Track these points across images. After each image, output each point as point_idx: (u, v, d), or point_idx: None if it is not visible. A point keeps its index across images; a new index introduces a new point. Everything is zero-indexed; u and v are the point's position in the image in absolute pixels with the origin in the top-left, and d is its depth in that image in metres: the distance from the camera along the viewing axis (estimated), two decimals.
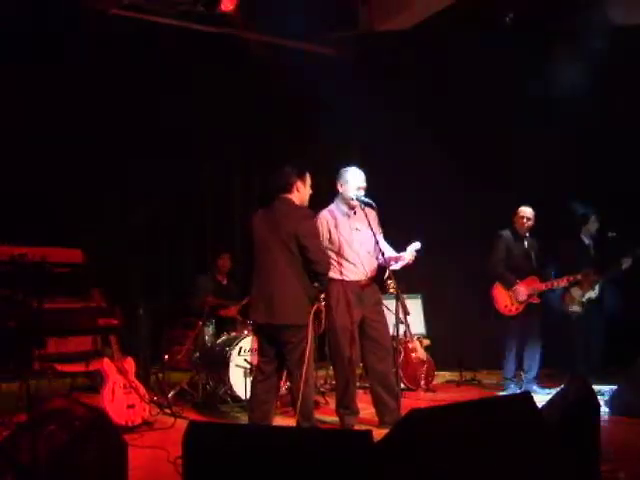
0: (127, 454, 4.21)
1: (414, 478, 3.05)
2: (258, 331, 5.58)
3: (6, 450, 4.00)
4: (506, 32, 8.24)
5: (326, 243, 5.65)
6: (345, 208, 5.76)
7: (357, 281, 5.68)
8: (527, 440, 3.55)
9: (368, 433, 2.99)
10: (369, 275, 5.70)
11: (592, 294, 7.46)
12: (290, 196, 5.22)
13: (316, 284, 5.18)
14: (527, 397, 3.98)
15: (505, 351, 7.43)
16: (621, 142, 8.11)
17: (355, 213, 5.75)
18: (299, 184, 5.25)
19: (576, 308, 7.49)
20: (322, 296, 5.24)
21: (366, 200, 5.61)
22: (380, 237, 5.81)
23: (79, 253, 5.36)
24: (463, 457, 3.19)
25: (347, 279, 5.68)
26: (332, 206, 5.80)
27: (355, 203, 5.68)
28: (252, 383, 5.56)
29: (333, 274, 5.63)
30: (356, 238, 5.70)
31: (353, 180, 5.68)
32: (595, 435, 4.15)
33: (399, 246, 5.87)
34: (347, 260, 5.68)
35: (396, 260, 5.73)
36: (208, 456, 3.05)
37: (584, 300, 7.43)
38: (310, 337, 4.97)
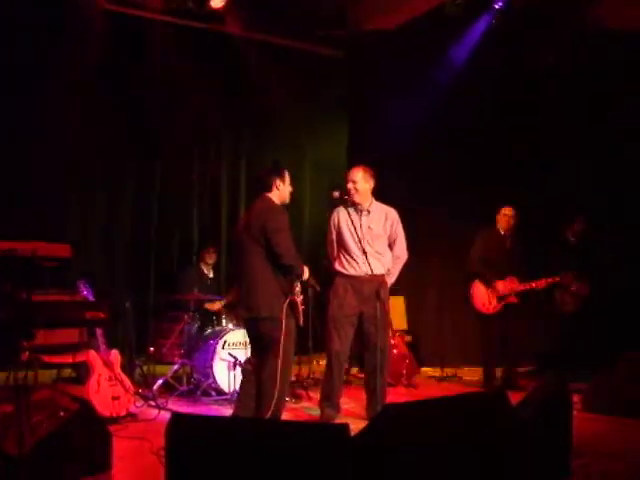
0: (111, 444, 4.34)
1: (387, 470, 3.17)
2: (244, 326, 5.78)
3: None
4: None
5: (333, 236, 5.98)
6: (359, 206, 5.92)
7: (359, 276, 5.80)
8: (498, 435, 3.67)
9: (345, 426, 3.11)
10: (374, 272, 5.73)
11: (584, 291, 7.68)
12: (270, 194, 5.37)
13: (289, 277, 5.27)
14: (500, 394, 4.11)
15: (485, 349, 7.58)
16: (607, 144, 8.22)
17: (369, 212, 5.92)
18: (278, 182, 5.39)
19: (570, 307, 7.68)
20: (297, 289, 5.31)
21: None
22: (395, 238, 6.02)
23: (67, 247, 5.43)
24: (434, 451, 3.31)
25: (348, 273, 5.86)
26: (347, 203, 5.92)
27: (359, 200, 5.87)
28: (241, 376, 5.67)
29: (338, 267, 5.93)
30: (367, 236, 5.85)
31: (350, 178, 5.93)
32: (567, 431, 4.29)
33: None
34: (351, 256, 5.84)
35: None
36: (190, 447, 3.15)
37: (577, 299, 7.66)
38: (284, 332, 5.07)
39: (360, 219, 5.90)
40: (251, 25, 8.79)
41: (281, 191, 5.40)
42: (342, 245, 5.93)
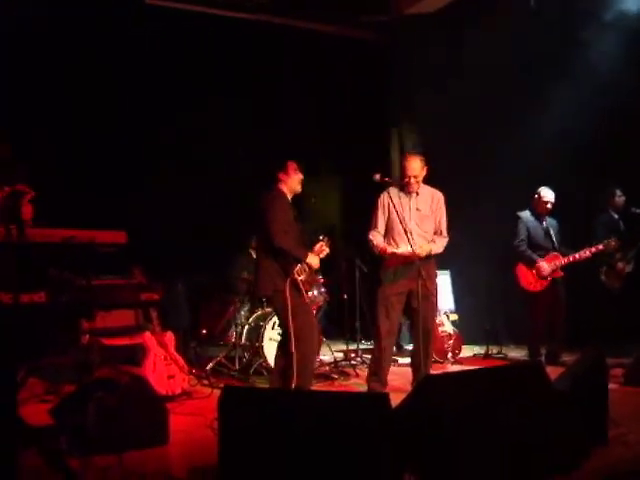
0: (168, 418, 4.59)
1: (427, 439, 3.35)
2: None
3: (59, 413, 4.38)
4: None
5: (380, 216, 6.19)
6: (406, 188, 6.15)
7: (407, 256, 5.93)
8: (535, 405, 3.82)
9: (385, 395, 3.30)
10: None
11: (629, 268, 7.73)
12: (280, 186, 5.85)
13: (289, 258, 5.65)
14: (537, 365, 4.27)
15: (532, 326, 7.71)
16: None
17: (418, 194, 6.13)
18: (281, 175, 5.86)
19: (616, 284, 7.75)
20: (299, 269, 5.64)
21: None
22: (439, 220, 6.21)
23: (123, 234, 5.68)
24: (472, 421, 3.47)
25: (397, 253, 6.03)
26: (398, 185, 6.22)
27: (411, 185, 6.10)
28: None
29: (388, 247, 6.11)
30: (414, 217, 6.08)
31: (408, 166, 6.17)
32: (603, 402, 4.41)
33: None
34: (400, 236, 6.00)
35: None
36: (241, 417, 3.38)
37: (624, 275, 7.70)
38: (290, 307, 5.48)
39: (410, 201, 6.12)
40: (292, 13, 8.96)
41: (288, 183, 5.84)
42: (391, 226, 6.13)
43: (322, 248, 5.85)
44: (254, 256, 8.59)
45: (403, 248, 5.93)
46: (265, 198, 5.76)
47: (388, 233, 6.16)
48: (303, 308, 5.63)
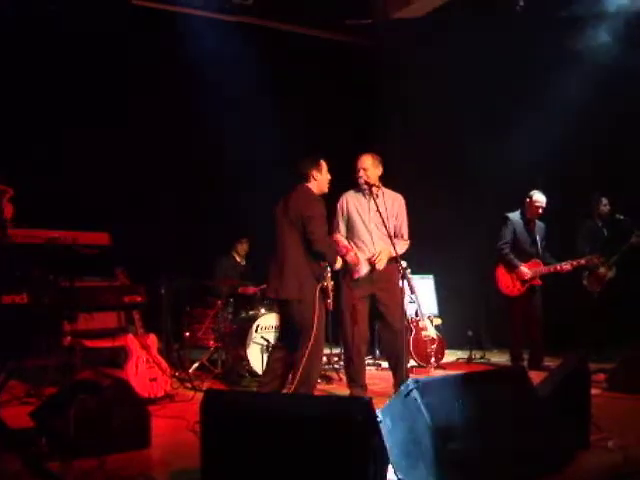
0: (150, 422, 4.57)
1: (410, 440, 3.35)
2: (277, 308, 6.11)
3: (40, 415, 4.35)
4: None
5: (340, 220, 6.12)
6: (365, 191, 6.08)
7: (367, 260, 5.93)
8: (517, 409, 3.84)
9: (368, 400, 3.30)
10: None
11: (610, 274, 7.79)
12: (308, 185, 5.60)
13: (323, 264, 5.49)
14: (520, 370, 4.29)
15: (510, 330, 7.76)
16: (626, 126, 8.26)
17: (378, 196, 6.03)
18: (314, 173, 5.61)
19: (597, 288, 7.82)
20: (329, 275, 5.53)
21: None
22: (401, 224, 6.15)
23: (106, 236, 5.68)
24: (455, 423, 3.48)
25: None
26: (356, 188, 6.13)
27: (365, 187, 6.00)
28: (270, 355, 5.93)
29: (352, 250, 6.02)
30: (374, 219, 6.00)
31: (360, 165, 6.06)
32: (585, 407, 4.43)
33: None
34: (359, 239, 6.02)
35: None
36: (223, 421, 3.37)
37: (605, 280, 7.77)
38: (317, 315, 5.27)
39: (369, 203, 6.05)
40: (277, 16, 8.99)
41: (319, 181, 5.63)
42: (351, 229, 6.09)
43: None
44: (238, 259, 8.67)
45: (364, 266, 5.91)
46: (302, 196, 5.50)
47: (349, 237, 6.12)
48: (323, 317, 5.45)
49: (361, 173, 6.01)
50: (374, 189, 6.01)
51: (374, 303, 6.02)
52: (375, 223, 6.00)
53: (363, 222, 5.95)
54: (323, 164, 5.67)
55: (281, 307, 5.70)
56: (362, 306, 6.01)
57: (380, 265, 5.84)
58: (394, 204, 6.12)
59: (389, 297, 5.95)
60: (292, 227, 5.42)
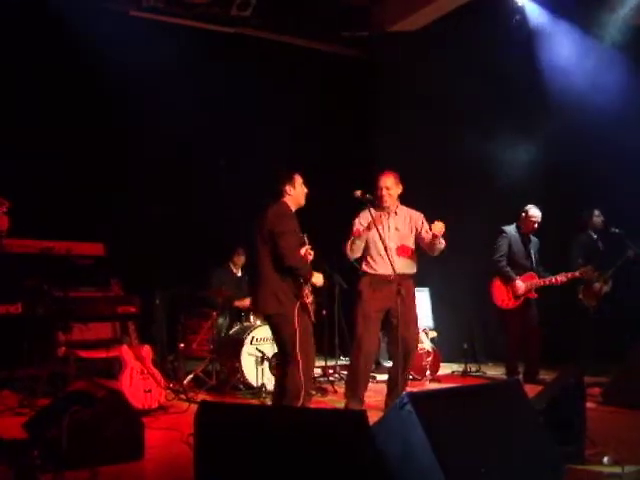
0: (144, 433, 4.54)
1: (402, 454, 3.34)
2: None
3: (33, 426, 4.32)
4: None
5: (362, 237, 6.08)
6: (387, 209, 6.14)
7: (384, 275, 5.95)
8: (512, 422, 3.82)
9: (363, 412, 3.29)
10: (400, 272, 5.84)
11: (606, 288, 7.78)
12: (284, 200, 5.55)
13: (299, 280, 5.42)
14: (515, 384, 4.27)
15: (507, 343, 7.75)
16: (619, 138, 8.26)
17: (397, 214, 6.13)
18: (288, 187, 5.56)
19: (593, 302, 7.79)
20: (307, 291, 5.46)
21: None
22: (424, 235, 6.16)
23: (101, 246, 5.67)
24: (449, 438, 3.46)
25: (375, 272, 6.06)
26: (375, 206, 6.07)
27: (388, 204, 6.09)
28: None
29: (365, 267, 6.13)
30: (393, 237, 6.06)
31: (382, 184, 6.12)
32: (581, 421, 4.42)
33: None
34: (378, 255, 6.02)
35: (430, 239, 6.04)
36: (217, 432, 3.34)
37: (601, 294, 7.76)
38: (298, 330, 5.25)
39: (388, 220, 6.11)
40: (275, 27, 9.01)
41: (294, 196, 5.57)
42: (369, 245, 6.11)
43: (307, 252, 5.56)
44: (234, 270, 8.64)
45: (382, 268, 5.96)
46: (274, 213, 5.46)
47: (366, 251, 6.14)
48: (307, 330, 5.41)
49: (384, 192, 6.06)
50: (388, 200, 6.08)
51: (388, 317, 6.03)
52: (394, 240, 6.06)
53: (382, 240, 5.87)
54: (297, 178, 5.60)
55: (267, 321, 5.73)
56: (377, 319, 6.05)
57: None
58: (412, 220, 6.18)
59: (407, 312, 5.90)
60: (264, 244, 5.40)
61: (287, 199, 5.55)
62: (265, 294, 5.38)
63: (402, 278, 5.84)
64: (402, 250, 6.09)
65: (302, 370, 5.25)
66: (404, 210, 6.23)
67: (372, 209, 5.92)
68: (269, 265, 5.39)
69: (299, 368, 5.24)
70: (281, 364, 5.56)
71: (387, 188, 6.06)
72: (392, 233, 6.09)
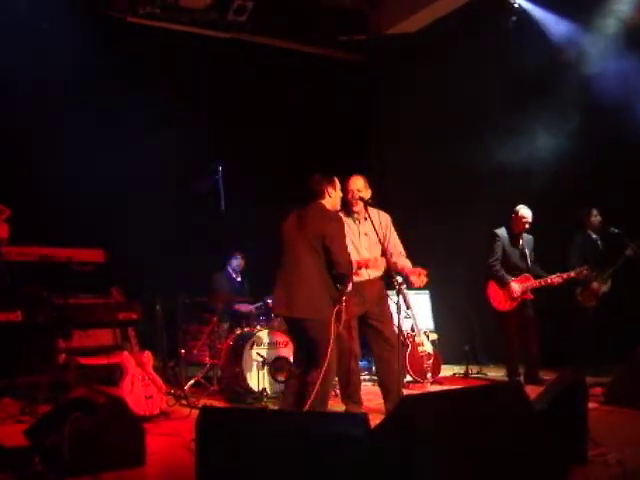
0: (145, 439, 4.53)
1: (404, 457, 3.32)
2: (285, 324, 6.03)
3: (34, 434, 4.31)
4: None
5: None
6: (356, 214, 6.04)
7: (359, 281, 5.91)
8: (513, 424, 3.81)
9: (364, 415, 3.27)
10: (373, 276, 5.94)
11: (605, 288, 7.77)
12: (322, 201, 5.46)
13: (339, 286, 5.36)
14: (515, 385, 4.26)
15: (506, 345, 7.74)
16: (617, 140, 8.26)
17: (366, 219, 5.97)
18: (329, 189, 5.49)
19: (591, 303, 7.77)
20: (343, 298, 5.37)
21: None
22: (392, 241, 6.13)
23: (101, 253, 5.66)
24: (450, 440, 3.45)
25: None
26: (344, 211, 5.99)
27: (358, 209, 5.97)
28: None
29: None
30: (364, 243, 6.00)
31: (353, 186, 5.96)
32: (583, 422, 4.41)
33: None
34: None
35: (405, 274, 6.02)
36: (219, 438, 3.34)
37: (599, 294, 7.74)
38: (333, 336, 5.13)
39: (358, 227, 6.02)
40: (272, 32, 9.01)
41: (333, 198, 5.52)
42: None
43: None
44: (234, 275, 8.64)
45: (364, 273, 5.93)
46: (319, 215, 5.36)
47: None
48: (339, 337, 5.34)
49: (355, 194, 5.91)
50: (361, 212, 5.98)
51: (366, 320, 5.99)
52: (365, 247, 5.99)
53: (355, 247, 5.88)
54: (337, 181, 5.56)
55: (292, 325, 5.56)
56: (355, 324, 5.99)
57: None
58: (381, 224, 6.00)
59: (383, 312, 5.97)
60: (309, 247, 5.26)
61: (326, 201, 5.48)
62: (303, 297, 5.24)
63: (375, 282, 5.95)
64: (372, 255, 5.94)
65: (327, 376, 5.17)
66: (373, 212, 5.96)
67: (342, 215, 5.80)
68: (312, 269, 5.27)
69: (326, 374, 5.14)
70: (302, 367, 5.47)
71: (359, 190, 5.89)
72: (362, 239, 5.99)
